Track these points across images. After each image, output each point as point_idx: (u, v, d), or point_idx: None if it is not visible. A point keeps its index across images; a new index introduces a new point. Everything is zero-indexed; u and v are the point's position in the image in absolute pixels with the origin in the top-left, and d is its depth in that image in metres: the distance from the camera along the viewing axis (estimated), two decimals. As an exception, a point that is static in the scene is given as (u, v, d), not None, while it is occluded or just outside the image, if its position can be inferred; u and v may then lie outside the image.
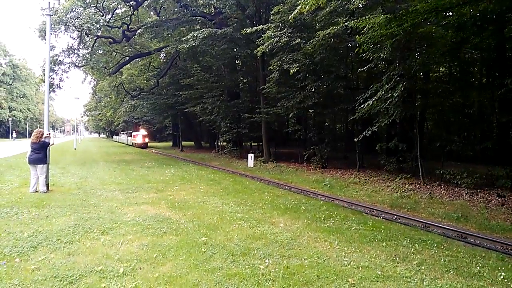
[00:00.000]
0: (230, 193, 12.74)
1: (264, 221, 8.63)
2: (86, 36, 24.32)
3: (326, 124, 32.07)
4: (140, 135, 53.69)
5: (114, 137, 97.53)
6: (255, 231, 7.71)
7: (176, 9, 27.16)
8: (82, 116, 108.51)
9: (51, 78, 24.20)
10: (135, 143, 54.17)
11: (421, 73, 17.89)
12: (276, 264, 5.82)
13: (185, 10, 25.32)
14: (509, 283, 5.45)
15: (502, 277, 5.66)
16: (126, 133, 69.40)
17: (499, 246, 7.94)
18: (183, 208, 9.84)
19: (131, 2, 25.86)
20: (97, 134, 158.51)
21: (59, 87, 26.05)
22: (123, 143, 68.43)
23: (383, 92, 13.54)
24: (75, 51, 25.99)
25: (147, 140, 54.47)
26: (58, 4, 13.65)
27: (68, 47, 25.52)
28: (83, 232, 7.23)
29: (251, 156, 23.70)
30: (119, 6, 27.14)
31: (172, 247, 6.45)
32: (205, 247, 6.50)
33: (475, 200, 11.64)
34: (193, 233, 7.38)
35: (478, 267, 6.05)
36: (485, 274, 5.78)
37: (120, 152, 39.31)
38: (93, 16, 21.58)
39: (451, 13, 13.62)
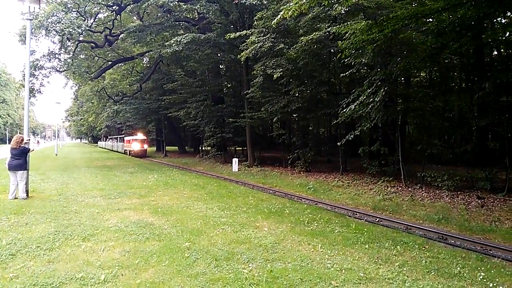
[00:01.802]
0: (214, 198, 12.70)
1: (248, 225, 8.62)
2: (67, 41, 24.09)
3: (310, 128, 32.33)
4: (137, 141, 41.48)
5: (98, 142, 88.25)
6: (239, 236, 7.69)
7: (159, 14, 27.14)
8: (63, 122, 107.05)
9: (32, 83, 23.86)
10: (130, 151, 42.47)
11: (402, 78, 18.26)
12: (260, 268, 5.82)
13: (168, 15, 25.29)
14: (489, 283, 5.55)
15: (481, 277, 5.76)
16: (116, 138, 57.89)
17: (479, 247, 8.09)
18: (166, 214, 9.76)
19: (114, 7, 25.69)
20: (79, 139, 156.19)
21: (40, 92, 25.71)
22: (111, 150, 59.04)
23: (365, 97, 13.74)
24: (56, 55, 25.74)
25: (146, 146, 42.24)
26: (39, 8, 13.44)
27: (49, 52, 25.26)
28: (63, 239, 7.10)
29: (235, 160, 23.68)
30: (101, 11, 26.95)
31: (155, 253, 6.39)
32: (188, 252, 6.45)
33: (456, 202, 11.86)
34: (176, 239, 7.33)
35: (459, 268, 6.16)
36: (465, 274, 5.88)
37: (102, 157, 38.77)
38: (74, 20, 21.38)
39: (430, 19, 13.96)
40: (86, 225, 8.24)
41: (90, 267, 5.69)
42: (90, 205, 10.85)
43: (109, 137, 68.51)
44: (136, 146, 40.77)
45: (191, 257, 6.21)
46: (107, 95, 43.05)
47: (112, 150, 57.27)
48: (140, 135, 42.40)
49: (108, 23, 28.18)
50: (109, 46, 29.44)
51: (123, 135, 51.34)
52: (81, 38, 25.82)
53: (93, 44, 28.64)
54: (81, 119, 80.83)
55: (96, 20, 27.41)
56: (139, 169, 23.58)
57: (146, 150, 41.98)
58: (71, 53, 26.74)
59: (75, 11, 22.90)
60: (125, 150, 45.42)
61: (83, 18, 23.58)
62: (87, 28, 23.93)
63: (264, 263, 6.03)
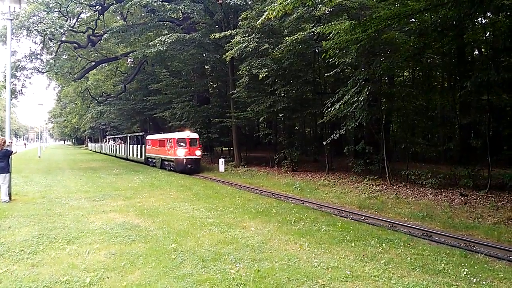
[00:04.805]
0: (201, 199, 12.66)
1: (235, 226, 8.62)
2: (49, 41, 23.70)
3: (296, 128, 32.53)
4: (181, 142, 23.22)
5: (89, 145, 75.04)
6: (226, 236, 7.69)
7: (143, 14, 26.88)
8: (46, 123, 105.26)
9: (13, 84, 23.36)
10: (164, 161, 25.20)
11: (385, 78, 18.46)
12: (247, 268, 5.83)
13: (152, 15, 25.06)
14: (472, 278, 5.67)
15: (465, 273, 5.89)
16: (122, 139, 40.86)
17: (463, 243, 8.26)
18: (152, 215, 9.69)
19: (97, 7, 25.38)
20: (63, 141, 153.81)
21: (22, 93, 25.26)
22: (113, 156, 42.75)
23: (349, 96, 13.86)
24: (38, 56, 25.28)
25: (199, 153, 23.75)
26: (19, 8, 13.18)
27: (31, 52, 24.78)
28: (47, 242, 6.99)
29: (222, 161, 23.63)
30: (84, 11, 26.59)
31: (141, 255, 6.34)
32: (175, 254, 6.43)
33: (439, 199, 12.06)
34: (162, 240, 7.28)
35: (443, 264, 6.27)
36: (449, 270, 6.00)
37: (86, 159, 38.26)
38: (56, 20, 21.03)
39: (413, 20, 14.16)
40: (70, 228, 8.13)
41: (75, 270, 5.62)
42: (75, 207, 10.70)
43: (108, 137, 52.21)
44: (181, 152, 22.76)
45: (178, 259, 6.18)
46: (91, 96, 42.46)
47: (116, 156, 41.21)
48: (188, 133, 23.81)
49: (91, 23, 27.83)
50: (92, 47, 29.09)
51: (141, 133, 33.33)
52: (63, 39, 25.46)
53: (76, 45, 28.25)
54: (65, 120, 79.56)
55: (78, 20, 27.02)
56: (124, 171, 23.34)
57: (200, 159, 24.23)
58: (54, 53, 26.32)
59: (57, 11, 22.55)
60: (147, 158, 29.15)
61: (66, 18, 23.21)
62: (69, 28, 23.59)
63: (251, 263, 6.04)
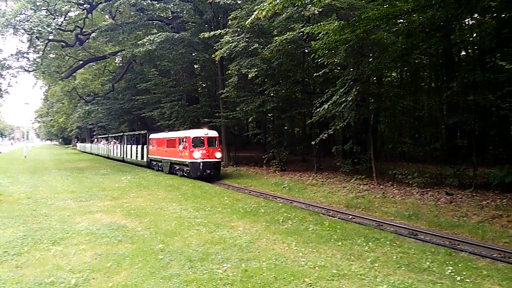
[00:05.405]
0: (189, 199, 12.60)
1: (223, 225, 8.61)
2: (36, 40, 23.41)
3: (285, 128, 32.61)
4: (199, 142, 19.28)
5: (77, 145, 71.90)
6: (214, 236, 7.68)
7: (132, 13, 26.70)
8: (33, 123, 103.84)
9: (-1, 83, 23.05)
10: (181, 165, 20.49)
11: (374, 78, 18.58)
12: (235, 267, 5.83)
13: (141, 13, 24.91)
14: (456, 276, 5.75)
15: (450, 271, 5.97)
16: (118, 138, 36.48)
17: (447, 242, 8.36)
18: (140, 216, 9.63)
19: (85, 5, 25.13)
20: (50, 141, 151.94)
21: (7, 92, 25.00)
22: (106, 157, 39.05)
23: (338, 96, 13.93)
24: (25, 55, 24.94)
25: (219, 155, 19.77)
26: (6, 6, 13.01)
27: (18, 51, 24.48)
28: (32, 243, 6.91)
29: (211, 161, 23.24)
30: (72, 9, 26.30)
31: (128, 256, 6.30)
32: (162, 254, 6.40)
33: (425, 198, 12.18)
34: (149, 241, 7.25)
35: (428, 263, 6.34)
36: (434, 269, 6.07)
37: (73, 159, 37.83)
38: (44, 19, 20.77)
39: (401, 20, 14.28)
40: (56, 229, 8.05)
41: (60, 271, 5.57)
42: (61, 208, 10.59)
43: (100, 136, 48.14)
44: (198, 155, 18.56)
45: (165, 259, 6.16)
46: (78, 95, 42.03)
47: (109, 158, 37.46)
48: (206, 131, 19.59)
49: (79, 21, 27.54)
50: (80, 45, 28.80)
51: (142, 132, 28.49)
52: (50, 37, 25.17)
53: (64, 43, 27.96)
54: (51, 120, 78.65)
55: (66, 18, 26.72)
56: (112, 171, 23.15)
57: (220, 163, 20.28)
58: (41, 52, 26.04)
59: (44, 9, 22.25)
60: (151, 161, 25.36)
61: (53, 17, 22.95)
62: (57, 27, 23.33)
63: (239, 263, 6.05)
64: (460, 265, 6.31)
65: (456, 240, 8.46)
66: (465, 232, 9.09)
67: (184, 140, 19.64)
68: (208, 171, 18.60)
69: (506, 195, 11.24)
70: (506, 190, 11.57)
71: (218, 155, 19.33)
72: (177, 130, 24.39)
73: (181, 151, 19.83)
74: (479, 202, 11.04)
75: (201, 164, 18.41)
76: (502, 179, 11.45)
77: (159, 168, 23.53)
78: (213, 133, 19.72)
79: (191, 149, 18.68)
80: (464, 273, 5.90)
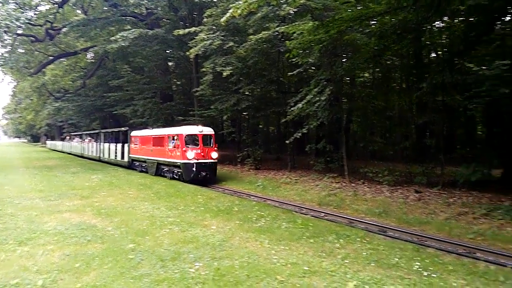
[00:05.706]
0: (162, 198, 12.46)
1: (196, 224, 8.57)
2: (4, 34, 22.54)
3: (260, 126, 32.68)
4: (193, 140, 17.35)
5: (47, 142, 67.89)
6: (186, 235, 7.63)
7: (105, 8, 26.16)
8: (0, 120, 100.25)
9: (-38, 78, 22.16)
10: (170, 166, 18.32)
11: (347, 78, 18.88)
12: (207, 266, 5.82)
13: (114, 9, 24.45)
14: (423, 271, 5.92)
15: (417, 266, 6.15)
16: (93, 135, 33.59)
17: (416, 238, 8.62)
18: (110, 215, 9.44)
19: (56, -1, 24.46)
20: (18, 138, 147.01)
21: (-28, 87, 23.97)
22: (79, 156, 36.35)
23: (312, 96, 14.09)
24: (-8, 49, 24.07)
25: (215, 155, 17.42)
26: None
27: (-17, 45, 23.56)
28: (-3, 244, 6.69)
29: (184, 159, 22.86)
30: (42, 3, 25.62)
31: (97, 256, 6.18)
32: (132, 254, 6.31)
33: (395, 196, 12.50)
34: (120, 240, 7.13)
35: (396, 259, 6.51)
36: (402, 264, 6.24)
37: (42, 157, 36.72)
38: (12, 12, 20.00)
39: (374, 22, 14.56)
40: (22, 229, 7.81)
41: (26, 272, 5.42)
42: (28, 207, 10.27)
43: (73, 134, 45.46)
44: (191, 155, 16.47)
45: (136, 259, 6.08)
46: (48, 92, 40.83)
47: (83, 157, 34.48)
48: (200, 128, 17.54)
49: (50, 16, 26.74)
50: (51, 40, 27.98)
51: (123, 129, 25.93)
52: (19, 31, 24.30)
53: (33, 38, 27.11)
54: (20, 117, 76.13)
55: (36, 12, 25.94)
56: (82, 169, 22.59)
57: (216, 164, 17.89)
58: (9, 47, 25.17)
59: (13, 2, 21.53)
60: (133, 161, 23.02)
61: (22, 10, 22.20)
62: (26, 21, 22.56)
63: (211, 261, 6.03)
64: (427, 260, 6.51)
65: (424, 236, 8.72)
66: (433, 229, 9.38)
67: (175, 138, 17.52)
68: (204, 173, 16.75)
69: (472, 193, 11.65)
70: (472, 188, 11.98)
71: (214, 155, 17.29)
72: (157, 128, 22.28)
73: (171, 150, 17.72)
74: (446, 200, 11.41)
75: (195, 166, 16.51)
76: (468, 178, 11.84)
77: (143, 169, 21.49)
78: (209, 130, 17.78)
79: (183, 148, 16.60)
80: (431, 268, 6.09)
